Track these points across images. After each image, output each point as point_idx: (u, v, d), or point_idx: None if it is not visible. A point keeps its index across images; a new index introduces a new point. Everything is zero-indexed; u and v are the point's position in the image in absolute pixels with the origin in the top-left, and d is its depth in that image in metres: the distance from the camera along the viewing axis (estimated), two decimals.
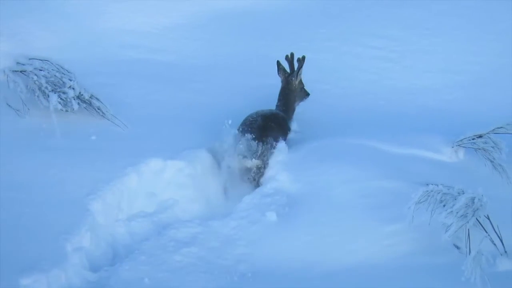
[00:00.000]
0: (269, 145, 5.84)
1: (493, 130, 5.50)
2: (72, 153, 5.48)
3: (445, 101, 6.85)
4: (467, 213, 4.21)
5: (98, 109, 6.12)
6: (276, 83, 6.51)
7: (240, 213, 5.20)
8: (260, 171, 5.82)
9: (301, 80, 6.47)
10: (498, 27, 7.44)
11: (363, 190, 5.11)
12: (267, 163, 5.80)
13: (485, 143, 5.49)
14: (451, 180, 4.74)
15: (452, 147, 5.69)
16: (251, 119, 5.96)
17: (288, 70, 6.42)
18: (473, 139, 5.58)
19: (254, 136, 5.86)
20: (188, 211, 5.46)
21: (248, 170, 5.82)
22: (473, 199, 4.24)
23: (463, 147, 5.65)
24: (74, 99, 6.01)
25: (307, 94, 6.56)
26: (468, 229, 4.21)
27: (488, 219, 4.28)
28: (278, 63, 6.39)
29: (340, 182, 5.23)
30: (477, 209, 4.20)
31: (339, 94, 7.09)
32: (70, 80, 6.06)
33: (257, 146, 5.84)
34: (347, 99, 6.99)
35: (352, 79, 7.26)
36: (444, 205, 4.32)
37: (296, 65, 6.38)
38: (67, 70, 6.12)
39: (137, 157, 5.51)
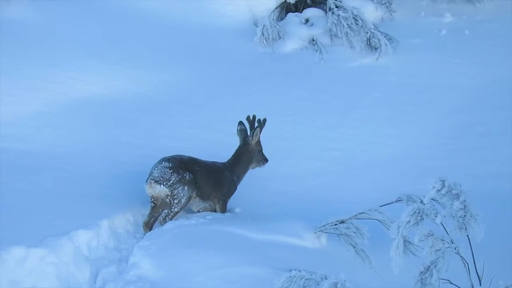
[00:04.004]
0: (183, 181, 6.06)
1: (355, 215, 5.57)
2: None
3: (308, 187, 6.94)
4: None
5: None
6: (136, 170, 6.54)
7: None
8: (168, 204, 6.05)
9: (259, 142, 6.58)
10: (354, 114, 7.70)
11: (227, 276, 5.05)
12: (177, 202, 6.07)
13: (348, 228, 5.53)
14: (314, 265, 4.75)
15: (315, 232, 5.69)
16: (180, 156, 6.22)
17: (248, 131, 6.55)
18: (335, 224, 5.61)
19: (171, 165, 6.08)
20: None
21: (157, 198, 6.06)
22: (335, 284, 4.23)
23: (326, 232, 5.65)
24: None
25: (265, 159, 6.65)
26: None
27: None
28: (241, 123, 6.55)
29: (204, 268, 5.15)
30: None
31: None
32: None
33: (171, 175, 6.05)
34: None
35: None
36: None
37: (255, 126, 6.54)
38: None
39: None
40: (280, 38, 9.49)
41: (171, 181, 6.07)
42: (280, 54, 9.29)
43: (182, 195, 6.12)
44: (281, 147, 7.23)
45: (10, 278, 5.24)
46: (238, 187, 6.55)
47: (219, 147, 7.32)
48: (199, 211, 6.44)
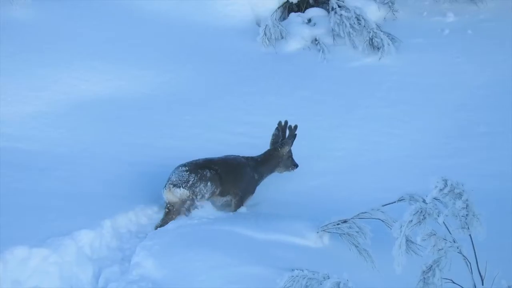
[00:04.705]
0: (204, 178, 6.15)
1: (358, 215, 5.58)
2: None
3: (310, 186, 6.93)
4: None
5: None
6: (138, 170, 6.64)
7: None
8: (187, 209, 6.14)
9: (289, 149, 6.67)
10: (357, 114, 7.71)
11: (229, 276, 5.07)
12: (200, 198, 6.17)
13: (350, 228, 5.55)
14: (317, 265, 4.77)
15: (317, 232, 5.70)
16: (195, 160, 6.32)
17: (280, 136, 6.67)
18: (337, 224, 5.62)
19: (187, 168, 6.21)
20: None
21: (174, 204, 6.13)
22: (338, 284, 4.24)
23: (328, 232, 5.67)
24: None
25: (295, 165, 6.74)
26: None
27: None
28: (277, 128, 6.68)
29: (206, 268, 5.18)
30: None
31: None
32: None
33: (188, 176, 6.13)
34: None
35: None
36: None
37: (287, 133, 6.64)
38: None
39: (1, 245, 5.32)
40: (282, 38, 9.48)
41: (190, 182, 6.16)
42: (283, 54, 9.28)
43: (205, 191, 6.21)
44: None
45: (12, 278, 5.26)
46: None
47: (222, 146, 7.31)
48: (217, 206, 6.50)
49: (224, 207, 6.54)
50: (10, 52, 8.48)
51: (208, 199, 6.29)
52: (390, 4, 9.99)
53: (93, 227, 5.77)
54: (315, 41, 9.48)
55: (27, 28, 9.02)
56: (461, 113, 7.85)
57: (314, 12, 9.99)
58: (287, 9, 10.22)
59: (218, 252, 5.34)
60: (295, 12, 10.12)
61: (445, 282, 4.30)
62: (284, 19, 10.08)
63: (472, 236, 4.35)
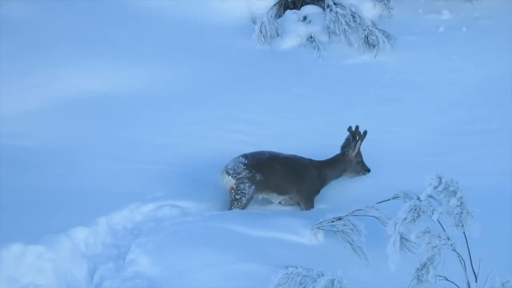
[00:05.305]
0: (252, 180, 6.26)
1: (352, 212, 5.58)
2: None
3: None
4: None
5: None
6: (134, 167, 6.63)
7: None
8: (234, 194, 6.27)
9: (359, 154, 6.65)
10: (352, 111, 7.72)
11: (223, 273, 5.10)
12: (239, 198, 6.27)
13: (344, 225, 5.54)
14: (311, 262, 4.77)
15: (312, 229, 5.70)
16: (260, 155, 6.43)
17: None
18: (332, 221, 5.61)
19: (246, 162, 6.31)
20: None
21: (227, 189, 6.32)
22: (332, 281, 4.25)
23: (323, 229, 5.66)
24: None
25: (366, 170, 6.73)
26: None
27: None
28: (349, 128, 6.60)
29: (201, 265, 5.21)
30: None
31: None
32: None
33: (243, 170, 6.27)
34: None
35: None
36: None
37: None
38: None
39: None
40: (278, 35, 9.47)
41: (240, 175, 6.27)
42: (278, 52, 9.28)
43: (246, 192, 6.28)
44: (279, 144, 7.21)
45: (8, 274, 5.27)
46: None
47: (218, 144, 7.34)
48: (280, 203, 6.60)
49: (288, 205, 6.60)
50: (7, 49, 8.46)
51: (247, 201, 6.33)
52: (386, 1, 9.99)
53: (88, 224, 5.78)
54: (311, 38, 9.48)
55: (23, 25, 9.01)
56: (456, 111, 7.85)
57: (309, 9, 9.98)
58: (283, 6, 10.22)
59: (213, 249, 5.36)
60: (291, 9, 10.11)
61: (439, 280, 4.31)
62: (279, 16, 10.08)
63: (466, 234, 4.36)
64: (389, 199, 5.22)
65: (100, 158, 7.16)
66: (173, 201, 6.42)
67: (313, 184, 6.57)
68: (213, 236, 5.61)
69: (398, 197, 5.05)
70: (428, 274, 4.27)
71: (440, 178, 4.39)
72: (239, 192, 6.29)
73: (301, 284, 4.34)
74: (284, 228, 5.72)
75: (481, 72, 8.44)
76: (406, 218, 4.36)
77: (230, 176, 6.29)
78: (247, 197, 6.30)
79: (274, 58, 9.15)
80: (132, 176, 6.81)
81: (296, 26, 9.61)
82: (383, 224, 5.30)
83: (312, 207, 6.53)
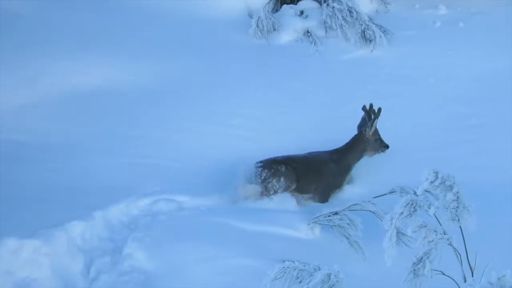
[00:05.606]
0: (277, 174, 6.22)
1: (349, 207, 5.62)
2: None
3: None
4: None
5: None
6: (131, 161, 6.63)
7: None
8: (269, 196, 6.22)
9: (376, 131, 6.67)
10: (349, 106, 7.70)
11: (220, 268, 5.14)
12: (273, 193, 6.22)
13: (341, 220, 5.58)
14: (308, 256, 4.78)
15: (308, 224, 5.72)
16: (273, 157, 6.41)
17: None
18: (329, 216, 5.65)
19: (262, 164, 6.30)
20: None
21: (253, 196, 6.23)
22: (329, 275, 4.23)
23: (319, 224, 5.68)
24: None
25: (385, 146, 6.75)
26: None
27: None
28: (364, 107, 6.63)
29: (197, 260, 5.23)
30: (333, 285, 4.19)
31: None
32: None
33: (261, 171, 6.24)
34: None
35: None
36: (300, 282, 4.31)
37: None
38: None
39: None
40: (275, 30, 9.45)
41: (262, 177, 6.23)
42: (275, 46, 9.26)
43: (278, 186, 6.25)
44: (275, 139, 7.22)
45: (4, 268, 5.28)
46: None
47: (214, 138, 7.32)
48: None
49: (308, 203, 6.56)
50: (2, 43, 8.43)
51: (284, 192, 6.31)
52: None
53: (84, 218, 5.78)
54: (307, 33, 9.46)
55: (19, 18, 8.97)
56: (452, 106, 7.86)
57: (306, 4, 9.97)
58: (280, 1, 10.20)
59: (209, 244, 5.38)
60: (288, 4, 10.10)
61: (435, 274, 4.31)
62: (276, 11, 10.05)
63: (462, 228, 4.36)
64: (386, 194, 5.24)
65: (96, 152, 7.14)
66: (169, 195, 6.40)
67: (331, 180, 6.54)
68: (210, 231, 5.62)
69: (395, 191, 5.08)
70: (424, 268, 4.27)
71: (436, 173, 4.39)
72: (270, 190, 6.25)
73: (297, 278, 4.32)
74: (281, 222, 5.73)
75: (478, 67, 8.44)
76: (402, 213, 4.36)
77: (253, 184, 6.26)
78: (281, 190, 6.27)
79: (271, 53, 9.13)
80: (128, 171, 6.79)
81: (293, 21, 9.60)
82: (379, 218, 5.32)
83: (327, 200, 6.50)
